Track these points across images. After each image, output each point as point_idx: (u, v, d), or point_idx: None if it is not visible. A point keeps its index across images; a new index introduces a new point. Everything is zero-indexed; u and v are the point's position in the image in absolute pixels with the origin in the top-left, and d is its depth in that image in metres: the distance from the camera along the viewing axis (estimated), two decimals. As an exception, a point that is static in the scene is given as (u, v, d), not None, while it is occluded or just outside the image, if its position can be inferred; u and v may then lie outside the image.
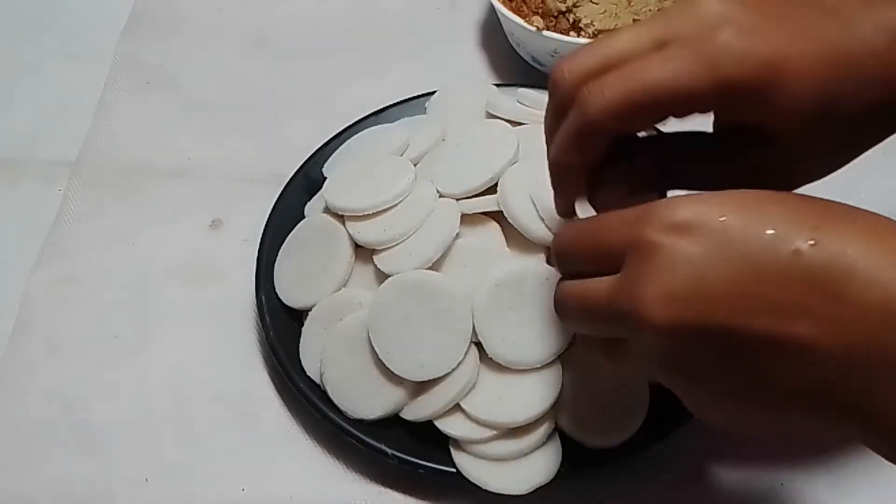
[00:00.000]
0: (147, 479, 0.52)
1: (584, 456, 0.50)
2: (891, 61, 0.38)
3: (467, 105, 0.61)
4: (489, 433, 0.49)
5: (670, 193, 0.42)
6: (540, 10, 0.65)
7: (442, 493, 0.51)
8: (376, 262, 0.53)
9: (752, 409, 0.35)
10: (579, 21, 0.65)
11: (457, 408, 0.50)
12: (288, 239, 0.57)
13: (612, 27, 0.64)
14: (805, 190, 0.39)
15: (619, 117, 0.38)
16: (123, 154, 0.66)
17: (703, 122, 0.41)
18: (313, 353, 0.53)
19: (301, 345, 0.54)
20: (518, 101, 0.59)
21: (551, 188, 0.43)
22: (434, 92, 0.63)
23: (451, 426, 0.50)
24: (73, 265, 0.60)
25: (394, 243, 0.52)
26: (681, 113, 0.38)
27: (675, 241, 0.34)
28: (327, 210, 0.56)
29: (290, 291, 0.55)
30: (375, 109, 0.62)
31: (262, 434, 0.54)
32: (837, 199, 0.35)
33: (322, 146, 0.61)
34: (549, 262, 0.51)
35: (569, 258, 0.40)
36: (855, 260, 0.32)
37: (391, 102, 0.63)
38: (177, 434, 0.54)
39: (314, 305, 0.54)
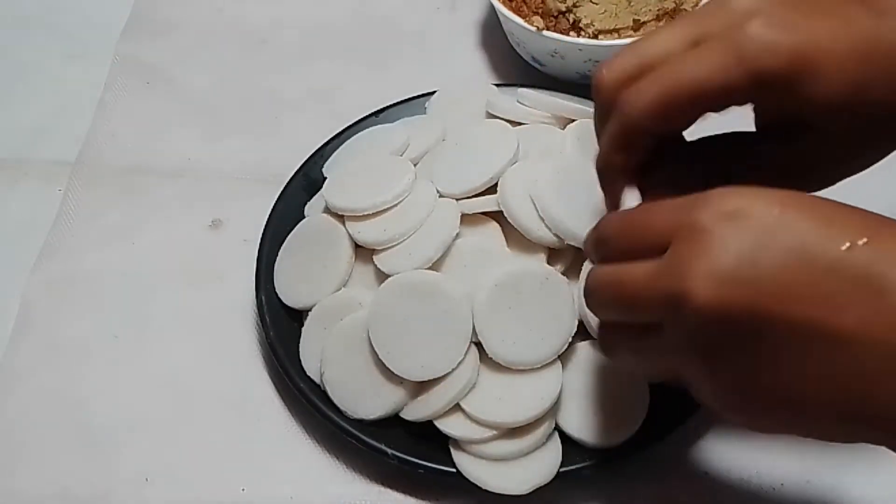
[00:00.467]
0: (147, 479, 0.52)
1: (584, 456, 0.50)
2: None
3: (467, 105, 0.61)
4: (489, 433, 0.49)
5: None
6: (540, 10, 0.65)
7: (442, 493, 0.51)
8: (376, 262, 0.53)
9: (779, 404, 0.35)
10: (579, 21, 0.64)
11: (457, 408, 0.50)
12: (288, 239, 0.57)
13: (612, 27, 0.64)
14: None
15: (658, 117, 0.39)
16: (123, 154, 0.66)
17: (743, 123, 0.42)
18: (313, 353, 0.53)
19: (301, 345, 0.54)
20: (518, 101, 0.59)
21: (600, 189, 0.43)
22: (434, 92, 0.63)
23: (451, 426, 0.50)
24: (73, 265, 0.60)
25: (394, 243, 0.52)
26: (717, 108, 0.39)
27: (728, 225, 0.34)
28: (327, 210, 0.56)
29: (290, 291, 0.55)
30: (375, 109, 0.62)
31: (262, 434, 0.54)
32: (837, 199, 0.35)
33: (322, 146, 0.61)
34: (585, 254, 0.48)
35: (611, 244, 0.40)
36: None
37: (391, 102, 0.63)
38: (177, 434, 0.54)
39: (314, 305, 0.54)
